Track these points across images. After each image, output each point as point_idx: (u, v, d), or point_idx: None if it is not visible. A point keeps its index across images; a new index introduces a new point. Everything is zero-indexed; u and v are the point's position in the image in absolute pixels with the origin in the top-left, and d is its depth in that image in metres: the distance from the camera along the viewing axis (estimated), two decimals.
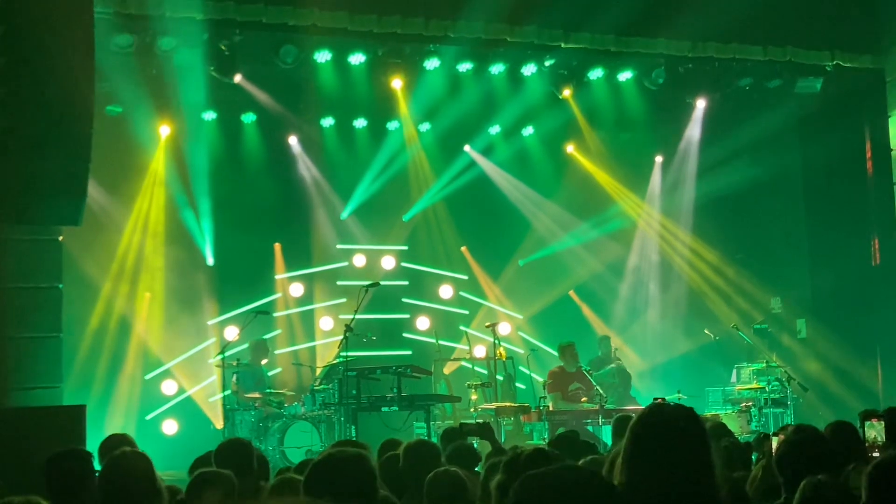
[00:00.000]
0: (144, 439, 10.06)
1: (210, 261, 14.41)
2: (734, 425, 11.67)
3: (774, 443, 4.83)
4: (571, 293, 16.34)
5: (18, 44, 8.28)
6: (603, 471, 4.05)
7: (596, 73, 14.26)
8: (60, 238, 10.92)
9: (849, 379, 14.46)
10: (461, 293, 16.10)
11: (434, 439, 9.42)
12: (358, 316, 11.79)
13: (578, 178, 16.26)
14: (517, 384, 14.02)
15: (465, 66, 13.70)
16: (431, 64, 13.46)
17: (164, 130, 13.96)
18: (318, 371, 13.32)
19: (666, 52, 13.48)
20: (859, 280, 14.63)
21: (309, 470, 3.77)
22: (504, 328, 15.10)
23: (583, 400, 12.22)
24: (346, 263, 15.47)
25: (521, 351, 15.08)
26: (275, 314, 14.68)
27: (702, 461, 3.17)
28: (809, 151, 15.27)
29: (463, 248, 16.10)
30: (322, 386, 12.19)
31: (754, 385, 13.05)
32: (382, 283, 13.31)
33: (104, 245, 13.58)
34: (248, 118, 14.57)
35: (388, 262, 15.73)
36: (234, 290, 14.31)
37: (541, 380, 13.34)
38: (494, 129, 15.70)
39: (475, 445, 6.74)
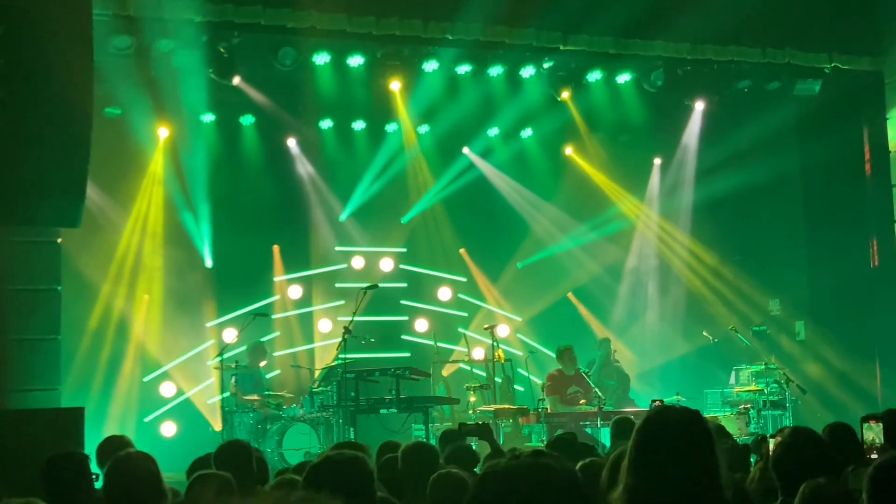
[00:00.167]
0: (143, 441, 10.06)
1: (209, 263, 14.40)
2: (733, 427, 11.67)
3: (771, 445, 4.83)
4: (570, 295, 16.35)
5: (17, 45, 8.27)
6: (603, 473, 4.06)
7: (594, 76, 14.26)
8: (59, 240, 10.93)
9: (847, 381, 14.46)
10: (460, 295, 16.09)
11: (433, 441, 9.41)
12: (356, 318, 11.78)
13: (577, 181, 16.26)
14: (516, 386, 14.01)
15: (463, 69, 13.70)
16: (430, 66, 13.46)
17: (163, 132, 13.95)
18: (317, 373, 13.31)
19: (664, 55, 13.48)
20: (858, 282, 14.64)
21: (308, 471, 3.77)
22: (503, 330, 15.07)
23: (581, 402, 12.22)
24: (344, 265, 15.47)
25: (520, 353, 15.06)
26: (273, 316, 14.68)
27: (707, 463, 3.17)
28: (808, 153, 15.27)
29: (461, 251, 16.10)
30: (321, 388, 12.19)
31: (753, 387, 13.05)
32: (381, 285, 13.31)
33: (103, 247, 13.57)
34: (247, 120, 14.56)
35: (386, 265, 15.73)
36: (232, 292, 14.30)
37: (539, 382, 13.34)
38: (493, 132, 15.70)
39: (474, 447, 6.74)
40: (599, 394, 12.01)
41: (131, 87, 12.61)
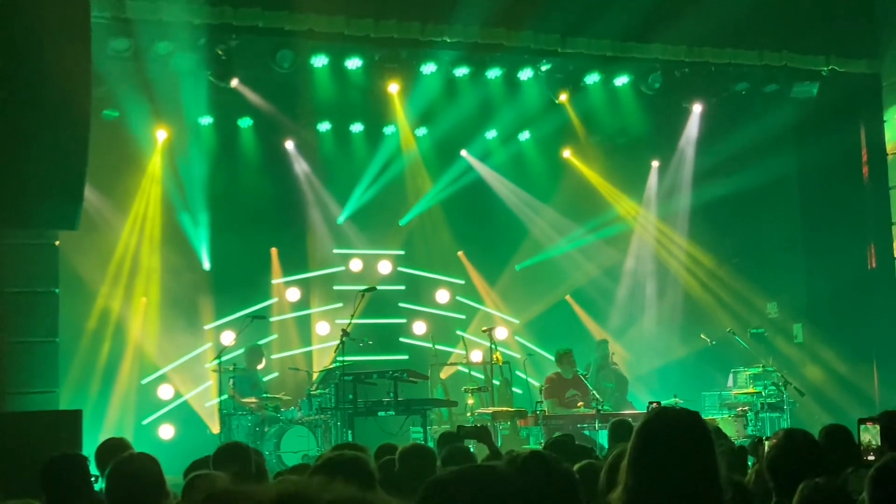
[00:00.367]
0: (141, 444, 10.02)
1: (206, 265, 14.40)
2: (731, 430, 11.68)
3: (767, 447, 4.83)
4: (568, 298, 16.36)
5: (16, 47, 8.28)
6: (601, 475, 4.06)
7: (592, 78, 14.26)
8: (57, 242, 10.93)
9: (845, 383, 14.47)
10: (458, 298, 16.10)
11: (430, 444, 9.41)
12: (354, 321, 11.80)
13: (575, 183, 16.27)
14: (514, 389, 14.00)
15: (461, 71, 13.70)
16: (428, 68, 13.45)
17: (161, 135, 13.95)
18: (315, 376, 13.33)
19: (662, 57, 13.49)
20: (856, 284, 14.64)
21: (310, 472, 3.77)
22: (501, 333, 15.11)
23: (579, 405, 12.22)
24: (342, 268, 15.47)
25: (518, 355, 15.07)
26: (271, 319, 14.68)
27: (706, 464, 3.18)
28: (806, 156, 15.28)
29: (460, 253, 16.10)
30: (318, 391, 12.19)
31: (751, 389, 13.05)
32: (379, 287, 13.34)
33: (101, 249, 13.56)
34: (245, 122, 14.56)
35: (384, 267, 15.73)
36: (230, 295, 14.30)
37: (537, 384, 13.34)
38: (491, 134, 15.71)
39: (472, 449, 6.74)
40: (597, 396, 12.01)
41: (129, 90, 12.62)
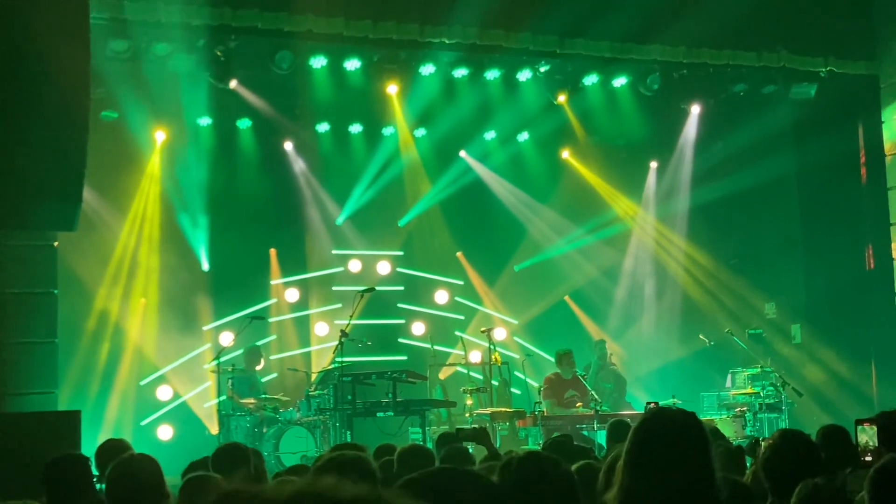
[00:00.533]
0: (140, 444, 9.99)
1: (205, 266, 14.40)
2: (729, 430, 11.68)
3: (763, 447, 4.84)
4: (567, 298, 16.36)
5: (15, 48, 8.28)
6: (600, 475, 4.06)
7: (591, 79, 14.27)
8: (55, 244, 10.93)
9: (843, 384, 14.48)
10: (456, 298, 16.10)
11: (429, 444, 9.42)
12: (353, 321, 11.81)
13: (573, 184, 16.28)
14: (512, 389, 14.01)
15: (460, 72, 13.71)
16: (427, 69, 13.46)
17: (160, 136, 13.95)
18: (314, 376, 13.32)
19: (660, 59, 13.49)
20: (854, 285, 14.65)
21: (311, 473, 3.77)
22: (499, 333, 15.12)
23: (578, 405, 12.23)
24: (341, 269, 15.48)
25: (517, 356, 15.08)
26: (270, 319, 14.69)
27: (702, 465, 3.18)
28: (804, 157, 15.28)
29: (458, 254, 16.11)
30: (317, 391, 12.19)
31: (749, 390, 13.06)
32: (378, 288, 13.33)
33: (99, 250, 13.57)
34: (244, 123, 14.57)
35: (383, 268, 15.73)
36: (229, 296, 14.30)
37: (536, 385, 13.35)
38: (490, 135, 15.72)
39: (470, 450, 6.75)
40: (596, 397, 12.01)
41: (128, 91, 12.63)
